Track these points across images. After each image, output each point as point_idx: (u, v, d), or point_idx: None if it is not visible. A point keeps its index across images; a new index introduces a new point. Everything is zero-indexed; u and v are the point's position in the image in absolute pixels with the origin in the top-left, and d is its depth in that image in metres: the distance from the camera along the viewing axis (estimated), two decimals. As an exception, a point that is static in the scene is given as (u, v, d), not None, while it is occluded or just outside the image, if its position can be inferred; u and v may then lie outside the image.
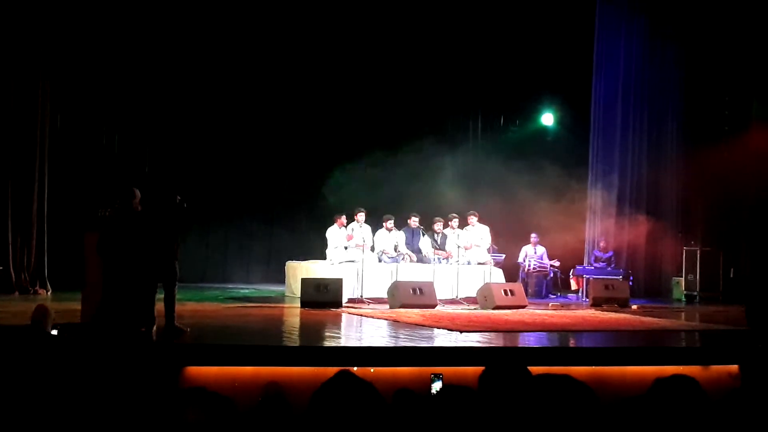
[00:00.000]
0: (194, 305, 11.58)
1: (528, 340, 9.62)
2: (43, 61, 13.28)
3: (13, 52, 13.03)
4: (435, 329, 9.80)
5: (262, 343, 8.55)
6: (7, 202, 12.99)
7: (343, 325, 10.75)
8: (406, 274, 13.28)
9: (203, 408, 3.40)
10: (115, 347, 7.49)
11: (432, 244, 14.32)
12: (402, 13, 16.25)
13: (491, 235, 14.73)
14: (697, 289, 15.91)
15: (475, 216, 14.75)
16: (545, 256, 15.74)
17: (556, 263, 15.77)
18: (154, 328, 8.60)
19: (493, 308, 12.43)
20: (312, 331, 10.01)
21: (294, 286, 13.50)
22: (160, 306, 8.67)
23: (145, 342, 8.08)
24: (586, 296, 14.59)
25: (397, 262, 13.75)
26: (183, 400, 3.48)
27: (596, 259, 15.93)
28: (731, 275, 16.19)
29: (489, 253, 14.39)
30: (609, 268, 15.46)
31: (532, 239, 15.72)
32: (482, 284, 13.27)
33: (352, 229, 13.93)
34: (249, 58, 15.92)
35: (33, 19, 13.11)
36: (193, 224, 9.33)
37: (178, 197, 8.98)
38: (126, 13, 14.64)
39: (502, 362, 3.58)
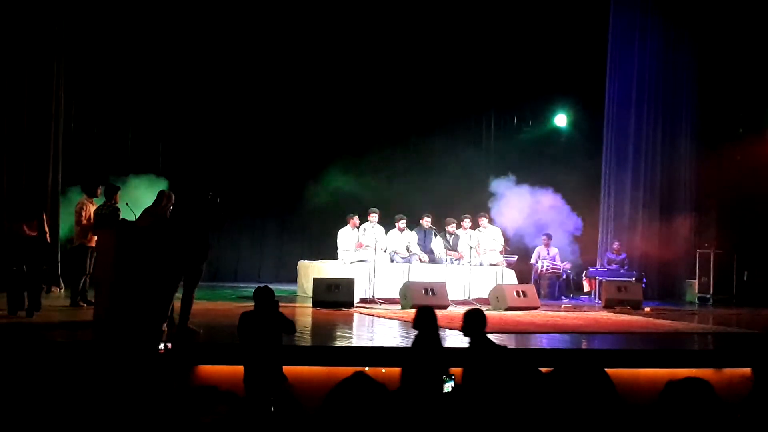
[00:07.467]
0: (206, 304, 11.59)
1: (540, 342, 9.59)
2: (58, 57, 13.33)
3: (29, 49, 13.08)
4: (447, 330, 9.78)
5: (273, 342, 8.55)
6: (21, 198, 13.02)
7: (354, 325, 10.76)
8: (418, 275, 13.28)
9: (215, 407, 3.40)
10: (130, 346, 7.52)
11: (444, 245, 14.29)
12: (416, 12, 16.23)
13: (503, 236, 14.72)
14: (711, 292, 15.85)
15: (486, 217, 14.73)
16: (558, 257, 15.68)
17: (568, 265, 15.68)
18: (165, 325, 8.63)
19: (506, 309, 12.41)
20: (324, 331, 10.01)
21: (306, 286, 13.51)
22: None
23: (156, 340, 8.09)
24: (599, 298, 14.55)
25: (409, 262, 13.73)
26: (195, 399, 3.49)
27: (609, 261, 15.85)
28: (745, 278, 16.09)
29: (501, 254, 14.36)
30: (622, 270, 15.39)
31: (544, 240, 15.66)
32: (494, 285, 13.25)
33: (365, 230, 13.92)
34: (265, 57, 15.93)
35: (49, 13, 13.17)
36: (226, 222, 9.17)
37: (211, 194, 8.90)
38: (141, 9, 14.68)
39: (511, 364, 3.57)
